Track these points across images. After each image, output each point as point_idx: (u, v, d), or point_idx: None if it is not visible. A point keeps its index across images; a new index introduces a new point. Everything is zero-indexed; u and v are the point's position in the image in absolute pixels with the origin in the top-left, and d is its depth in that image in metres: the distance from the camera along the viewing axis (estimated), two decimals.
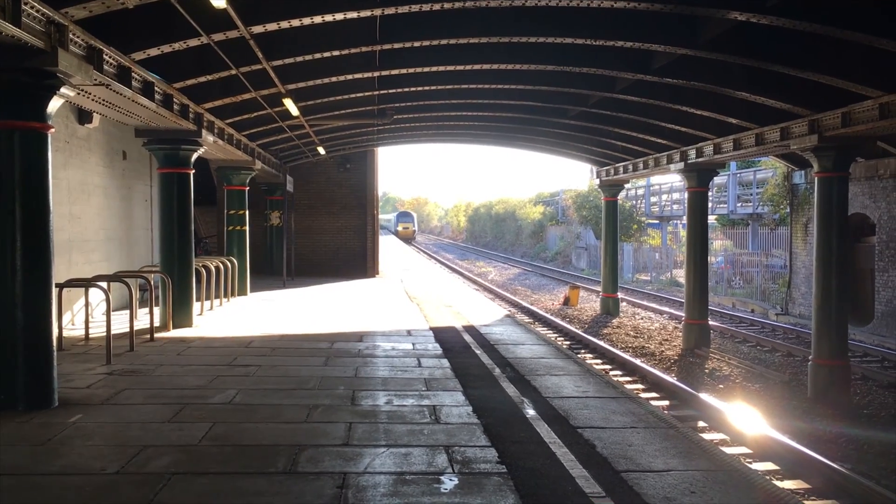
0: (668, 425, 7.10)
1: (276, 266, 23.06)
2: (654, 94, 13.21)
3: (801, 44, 9.87)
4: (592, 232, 44.54)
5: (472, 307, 17.75)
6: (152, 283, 11.92)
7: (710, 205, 24.26)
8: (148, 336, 11.40)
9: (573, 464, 5.80)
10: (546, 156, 26.69)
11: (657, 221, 45.60)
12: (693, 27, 9.86)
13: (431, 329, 13.15)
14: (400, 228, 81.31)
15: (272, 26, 8.68)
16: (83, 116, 12.81)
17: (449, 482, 5.34)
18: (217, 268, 15.58)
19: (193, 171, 12.74)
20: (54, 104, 7.30)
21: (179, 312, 12.53)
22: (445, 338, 12.17)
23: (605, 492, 5.22)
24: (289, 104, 12.56)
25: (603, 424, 7.07)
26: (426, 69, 12.21)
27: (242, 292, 17.98)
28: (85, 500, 4.93)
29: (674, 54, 10.75)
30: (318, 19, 8.68)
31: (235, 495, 5.05)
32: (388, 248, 42.92)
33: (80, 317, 12.20)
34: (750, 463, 9.22)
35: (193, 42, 8.77)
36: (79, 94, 8.44)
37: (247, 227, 18.70)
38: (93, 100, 9.23)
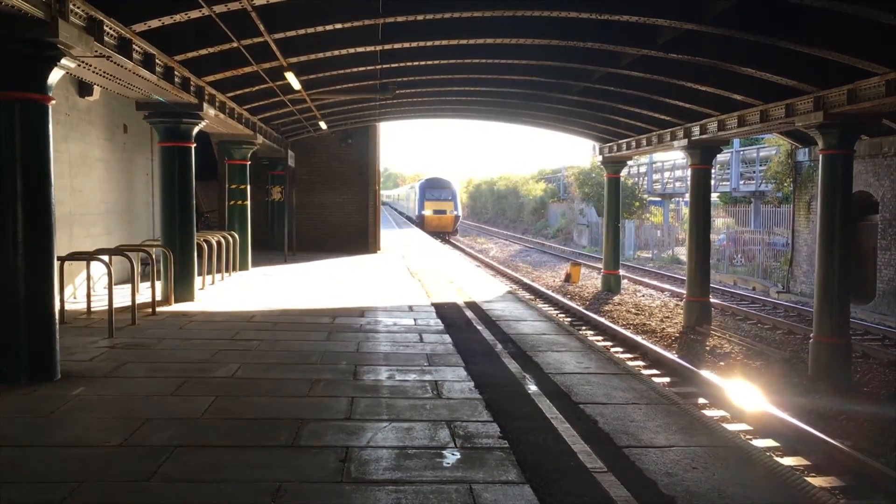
0: (669, 402, 7.11)
1: (278, 241, 23.03)
2: (658, 70, 13.09)
3: (808, 19, 9.76)
4: (594, 209, 44.47)
5: (473, 283, 17.74)
6: (154, 257, 11.91)
7: (713, 182, 24.19)
8: (150, 310, 11.41)
9: (575, 439, 5.82)
10: (549, 132, 26.52)
11: (659, 199, 45.51)
12: (699, 1, 9.75)
13: (433, 305, 13.15)
14: (429, 213, 46.78)
15: None
16: (84, 89, 12.72)
17: (451, 456, 5.36)
18: (218, 242, 15.56)
19: (195, 144, 12.68)
20: (55, 76, 7.23)
21: (181, 287, 12.52)
22: (447, 313, 12.17)
23: (607, 467, 5.23)
24: (290, 78, 12.46)
25: (605, 400, 7.08)
26: (429, 43, 12.09)
27: (244, 267, 17.98)
28: (88, 472, 4.95)
29: (679, 29, 10.64)
30: None
31: (238, 468, 5.06)
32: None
33: (82, 290, 12.20)
34: (750, 439, 9.25)
35: (195, 14, 8.67)
36: (79, 65, 8.35)
37: (248, 202, 18.66)
38: (93, 72, 9.15)
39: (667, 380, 12.45)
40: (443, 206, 46.59)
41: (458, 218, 47.52)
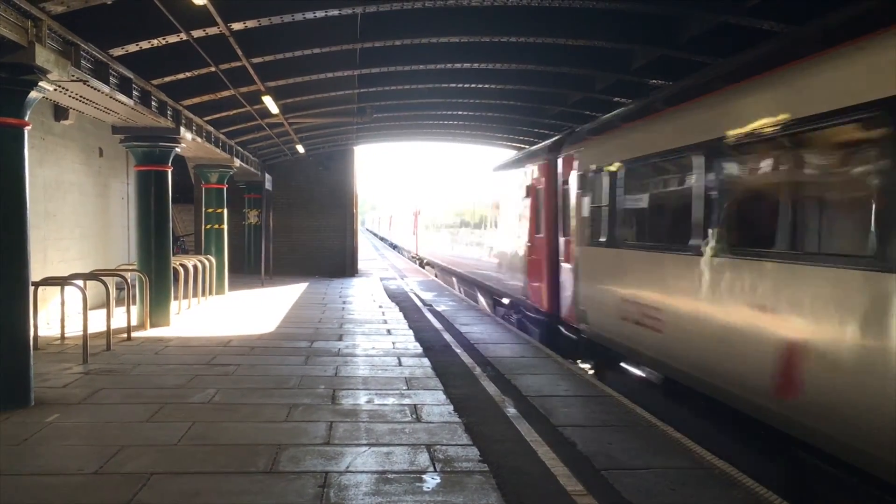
0: (647, 424, 7.14)
1: (255, 265, 22.93)
2: (633, 94, 13.26)
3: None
4: None
5: (451, 306, 17.74)
6: (129, 281, 11.80)
7: None
8: (125, 335, 11.28)
9: (554, 462, 5.82)
10: None
11: None
12: (673, 27, 9.93)
13: (411, 328, 13.12)
14: None
15: (252, 23, 8.63)
16: (59, 113, 12.65)
17: (431, 481, 5.33)
18: (195, 266, 15.45)
19: (171, 168, 12.63)
20: (31, 100, 7.19)
21: (157, 311, 12.42)
22: (425, 337, 12.15)
23: (587, 489, 5.23)
24: (268, 102, 12.48)
25: (583, 423, 7.10)
26: (407, 67, 12.21)
27: (220, 291, 17.84)
28: (62, 500, 4.87)
29: (654, 54, 10.82)
30: (298, 16, 8.64)
31: (216, 495, 5.00)
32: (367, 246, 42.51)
33: (56, 316, 12.04)
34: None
35: (173, 38, 8.69)
36: (56, 89, 8.31)
37: (225, 226, 18.57)
38: (70, 96, 9.11)
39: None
40: None
41: None
